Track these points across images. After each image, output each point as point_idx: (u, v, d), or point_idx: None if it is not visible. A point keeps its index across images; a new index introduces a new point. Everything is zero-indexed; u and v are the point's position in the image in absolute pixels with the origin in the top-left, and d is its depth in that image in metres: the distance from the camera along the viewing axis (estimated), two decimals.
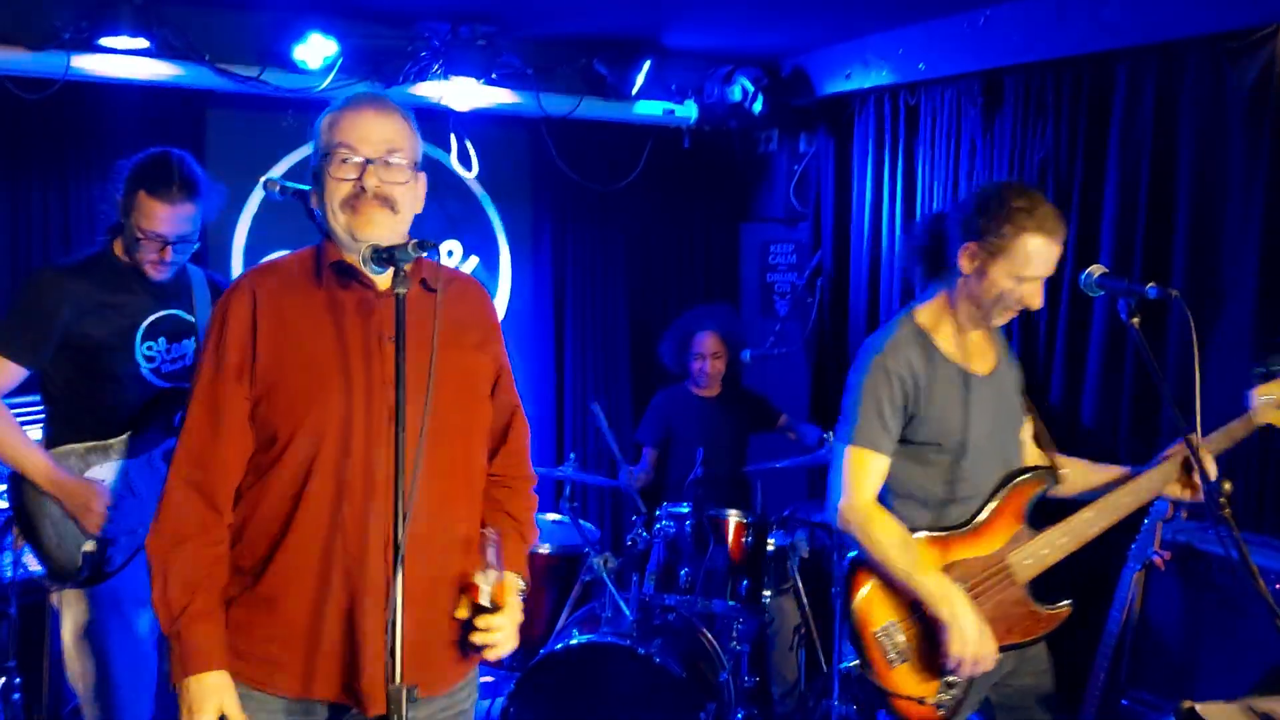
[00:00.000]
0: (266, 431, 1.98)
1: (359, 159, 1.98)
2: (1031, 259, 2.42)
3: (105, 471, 2.84)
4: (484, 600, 1.93)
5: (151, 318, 2.89)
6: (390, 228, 1.99)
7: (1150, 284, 2.37)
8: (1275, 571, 2.86)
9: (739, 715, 4.00)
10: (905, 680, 2.49)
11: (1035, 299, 2.48)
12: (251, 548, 1.99)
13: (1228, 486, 2.28)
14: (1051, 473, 2.63)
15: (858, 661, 2.52)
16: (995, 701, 2.69)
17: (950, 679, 2.48)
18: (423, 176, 2.09)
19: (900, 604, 2.50)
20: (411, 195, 2.04)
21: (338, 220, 1.99)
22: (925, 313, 2.60)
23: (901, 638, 2.50)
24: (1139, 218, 3.57)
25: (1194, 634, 3.11)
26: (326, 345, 1.99)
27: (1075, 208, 3.77)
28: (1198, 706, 1.87)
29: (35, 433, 2.96)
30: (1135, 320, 2.37)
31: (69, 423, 2.86)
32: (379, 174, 1.98)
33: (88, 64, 3.84)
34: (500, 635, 1.97)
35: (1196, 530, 3.13)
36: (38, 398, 2.99)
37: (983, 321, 2.56)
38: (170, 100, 4.20)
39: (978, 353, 2.61)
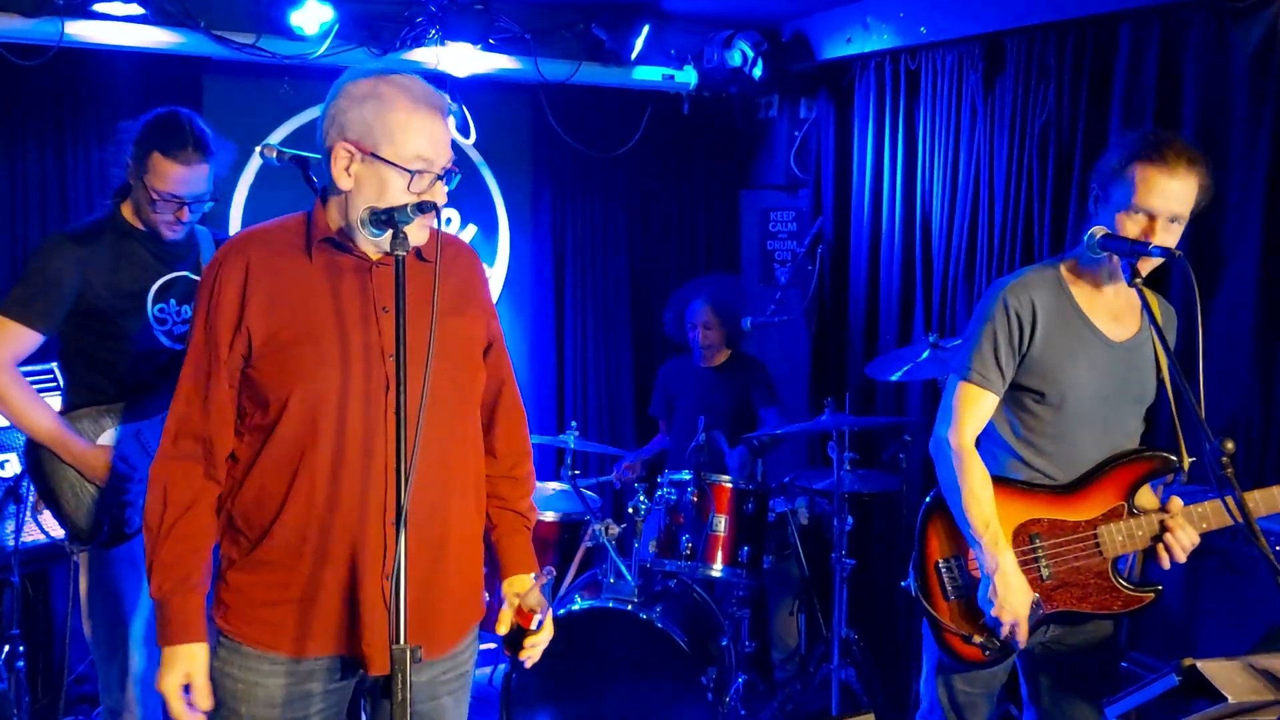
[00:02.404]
0: (263, 398, 1.98)
1: (432, 175, 1.97)
2: (1138, 186, 2.35)
3: (119, 434, 2.86)
4: (534, 626, 2.08)
5: (161, 280, 2.91)
6: (430, 230, 2.01)
7: (1153, 244, 2.35)
8: (1276, 533, 2.86)
9: (739, 680, 4.03)
10: (956, 615, 2.58)
11: (1157, 236, 2.36)
12: (251, 512, 2.01)
13: (1230, 447, 2.27)
14: (1170, 462, 2.54)
15: (915, 586, 2.62)
16: (1039, 655, 2.68)
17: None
18: None
19: (965, 546, 2.56)
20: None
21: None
22: (1069, 261, 2.57)
23: (961, 575, 2.58)
24: None
25: (1194, 597, 3.13)
26: (323, 315, 1.98)
27: (1077, 172, 3.75)
28: (1199, 664, 1.87)
29: (54, 399, 2.98)
30: (1138, 281, 2.34)
31: (84, 386, 2.89)
32: (443, 188, 2.00)
33: (82, 30, 3.81)
34: (540, 650, 2.13)
35: (1197, 494, 3.12)
36: (51, 365, 3.00)
37: (1106, 272, 2.49)
38: (166, 67, 4.17)
39: (1115, 315, 2.56)
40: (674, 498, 3.90)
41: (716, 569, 3.86)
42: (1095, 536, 2.52)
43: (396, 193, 1.94)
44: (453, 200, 4.89)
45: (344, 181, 1.97)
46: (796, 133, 5.15)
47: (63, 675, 3.98)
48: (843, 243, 4.92)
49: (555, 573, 2.16)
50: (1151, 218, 2.37)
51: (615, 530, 3.80)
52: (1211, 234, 3.38)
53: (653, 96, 5.08)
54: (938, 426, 2.59)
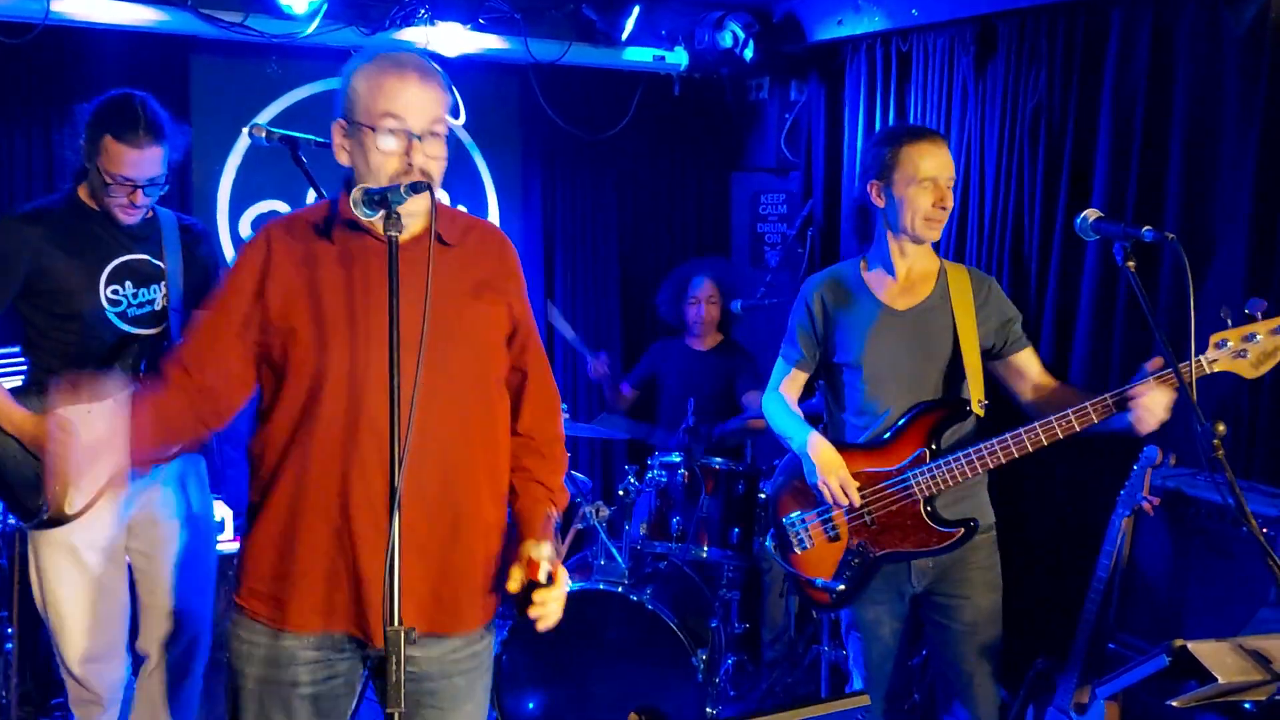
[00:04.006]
0: (279, 374, 2.03)
1: (406, 133, 1.98)
2: (919, 163, 2.77)
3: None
4: (542, 577, 2.00)
5: (118, 260, 2.89)
6: (429, 201, 1.99)
7: (1146, 227, 2.38)
8: (1264, 516, 2.88)
9: (729, 661, 4.05)
10: (805, 564, 2.93)
11: (946, 199, 2.79)
12: (266, 491, 2.05)
13: (1221, 429, 2.29)
14: (959, 404, 2.83)
15: (772, 544, 3.00)
16: (927, 611, 2.98)
17: (844, 575, 2.87)
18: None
19: (806, 502, 2.92)
20: (444, 166, 2.06)
21: None
22: (865, 259, 2.99)
23: (804, 530, 2.93)
24: (1132, 164, 3.56)
25: (1181, 579, 3.15)
26: (338, 297, 2.02)
27: (1068, 154, 3.75)
28: (1189, 645, 1.89)
29: (16, 383, 2.97)
30: (1131, 264, 2.37)
31: (41, 366, 2.89)
32: (425, 149, 1.99)
33: (68, 8, 3.77)
34: (554, 606, 2.02)
35: (1185, 476, 3.15)
36: (16, 349, 3.00)
37: (915, 240, 2.84)
38: (153, 46, 4.13)
39: (904, 289, 2.90)
40: (664, 480, 3.90)
41: (706, 550, 3.87)
42: (905, 481, 2.80)
43: (374, 155, 1.98)
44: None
45: (341, 157, 2.05)
46: (787, 115, 5.13)
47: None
48: (833, 225, 4.92)
49: (558, 514, 2.14)
50: (937, 183, 2.77)
51: (605, 512, 3.81)
52: (1202, 217, 3.39)
53: (643, 78, 5.06)
54: (763, 397, 3.09)
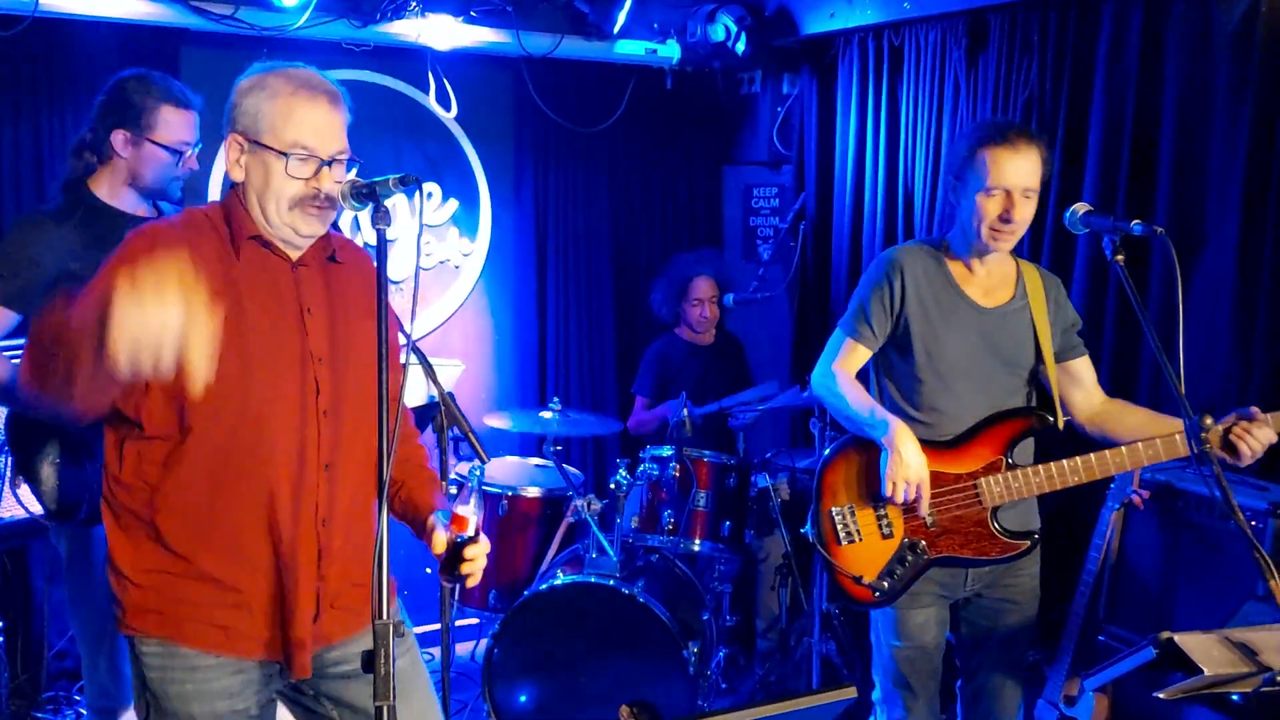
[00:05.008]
0: (186, 409, 1.94)
1: (315, 159, 1.98)
2: (990, 168, 2.59)
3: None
4: (471, 531, 2.03)
5: None
6: (327, 223, 2.05)
7: (1135, 221, 2.38)
8: (1252, 509, 2.89)
9: (720, 654, 4.06)
10: (848, 558, 2.77)
11: (1017, 210, 2.60)
12: (181, 521, 1.98)
13: (1210, 422, 2.30)
14: (1045, 419, 2.73)
15: (813, 533, 2.82)
16: (966, 615, 2.90)
17: (892, 574, 2.74)
18: None
19: (861, 493, 2.76)
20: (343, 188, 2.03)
21: (281, 215, 1.98)
22: (947, 239, 2.81)
23: (854, 521, 2.76)
24: (1123, 157, 3.56)
25: (1170, 572, 3.16)
26: (255, 317, 1.98)
27: (1059, 147, 3.75)
28: (1176, 637, 1.90)
29: None
30: (1120, 258, 2.38)
31: None
32: (332, 174, 1.99)
33: (58, 0, 3.76)
34: (482, 561, 2.05)
35: (1174, 469, 3.16)
36: (15, 341, 2.97)
37: (982, 248, 2.69)
38: (143, 38, 4.11)
39: (988, 286, 2.77)
40: (656, 473, 3.91)
41: (698, 544, 3.88)
42: (975, 487, 2.70)
43: (278, 179, 1.96)
44: (434, 174, 4.91)
45: (236, 173, 2.01)
46: (779, 108, 5.13)
47: (42, 651, 3.97)
48: (825, 219, 4.92)
49: (485, 463, 2.15)
50: (1009, 194, 2.59)
51: (597, 505, 3.81)
52: (1192, 212, 3.39)
53: (635, 71, 5.06)
54: (814, 372, 2.87)
